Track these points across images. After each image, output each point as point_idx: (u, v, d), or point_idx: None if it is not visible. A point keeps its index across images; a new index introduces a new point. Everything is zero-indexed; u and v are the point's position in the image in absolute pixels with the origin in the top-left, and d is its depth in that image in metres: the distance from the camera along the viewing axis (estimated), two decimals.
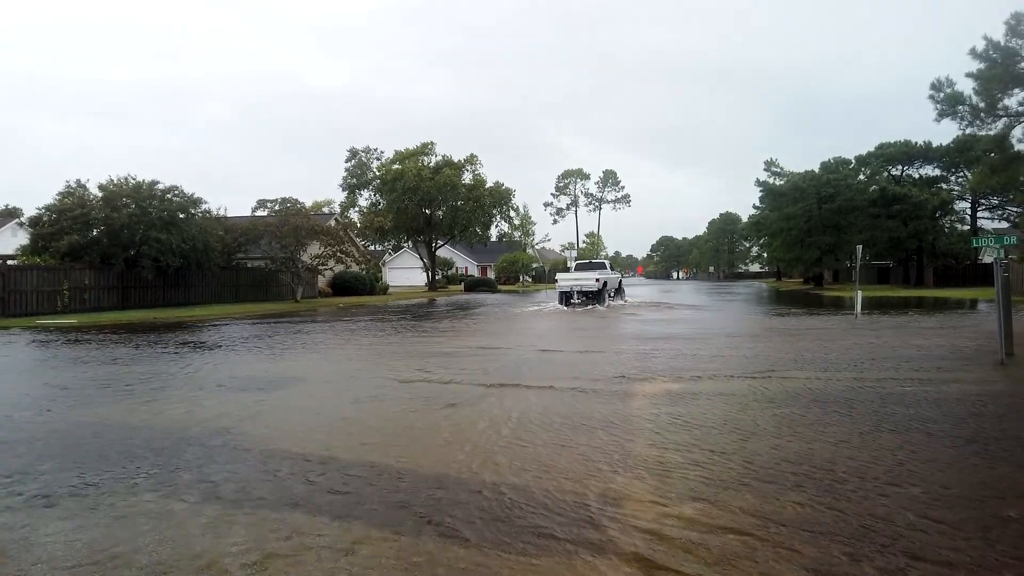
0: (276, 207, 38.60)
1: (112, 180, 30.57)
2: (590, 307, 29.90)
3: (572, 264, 47.71)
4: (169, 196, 31.20)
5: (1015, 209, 50.62)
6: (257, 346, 15.80)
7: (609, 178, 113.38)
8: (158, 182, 31.30)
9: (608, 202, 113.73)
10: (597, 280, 31.23)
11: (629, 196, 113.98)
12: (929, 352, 13.11)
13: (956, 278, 53.38)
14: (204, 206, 33.53)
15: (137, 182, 30.71)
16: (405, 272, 73.67)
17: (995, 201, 57.59)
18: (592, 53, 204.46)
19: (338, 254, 39.24)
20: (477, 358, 12.92)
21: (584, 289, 31.15)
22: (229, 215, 39.63)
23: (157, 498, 4.94)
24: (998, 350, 11.76)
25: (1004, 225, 57.15)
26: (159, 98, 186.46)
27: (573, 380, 10.05)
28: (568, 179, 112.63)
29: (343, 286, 45.43)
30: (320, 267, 39.17)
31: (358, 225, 55.92)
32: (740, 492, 4.92)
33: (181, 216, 31.32)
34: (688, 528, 4.23)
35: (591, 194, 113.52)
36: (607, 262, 38.63)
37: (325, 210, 59.73)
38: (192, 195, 32.48)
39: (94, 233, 29.08)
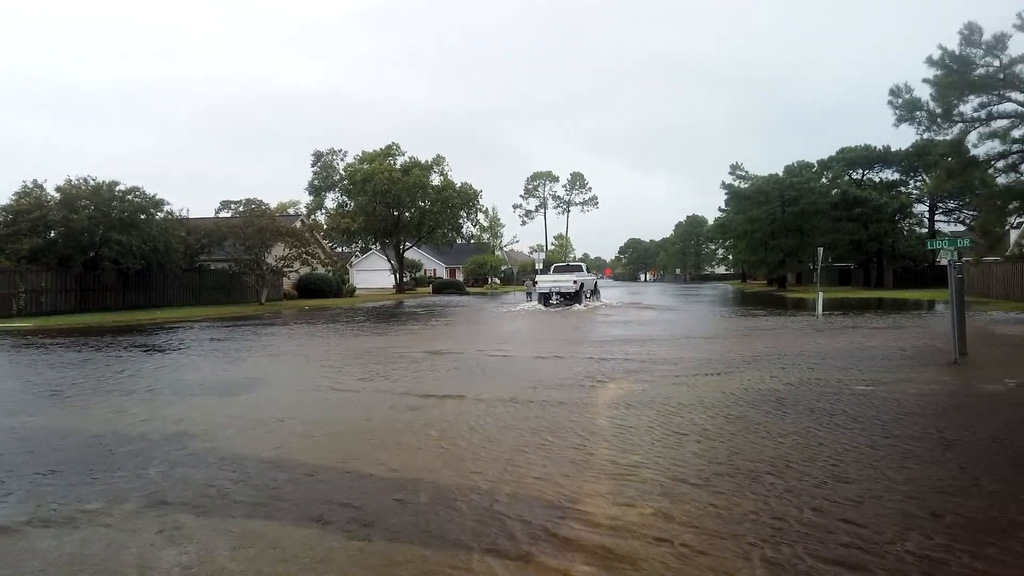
0: (240, 208, 38.09)
1: (70, 181, 29.92)
2: (568, 307, 31.18)
3: (540, 266, 48.81)
4: (130, 197, 30.64)
5: (971, 212, 51.95)
6: (206, 351, 15.57)
7: (577, 180, 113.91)
8: (118, 183, 30.74)
9: (576, 204, 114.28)
10: (575, 282, 32.68)
11: (597, 198, 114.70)
12: (886, 352, 13.41)
13: (915, 279, 54.71)
14: (166, 207, 33.07)
15: (96, 183, 30.10)
16: (373, 274, 73.12)
17: (952, 205, 59.15)
18: (562, 57, 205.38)
19: (304, 256, 38.87)
20: (431, 363, 12.81)
21: (562, 290, 32.66)
22: (192, 216, 39.07)
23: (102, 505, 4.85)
24: (952, 350, 12.07)
25: (961, 228, 58.65)
26: (123, 98, 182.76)
27: (524, 389, 9.45)
28: (537, 181, 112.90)
29: (309, 288, 44.95)
30: (286, 269, 38.75)
31: (324, 227, 55.45)
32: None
33: (142, 217, 30.77)
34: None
35: (559, 196, 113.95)
36: (583, 265, 40.49)
37: (291, 211, 59.14)
38: (154, 196, 31.97)
39: (51, 235, 28.41)
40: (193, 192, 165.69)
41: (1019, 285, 31.83)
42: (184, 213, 36.97)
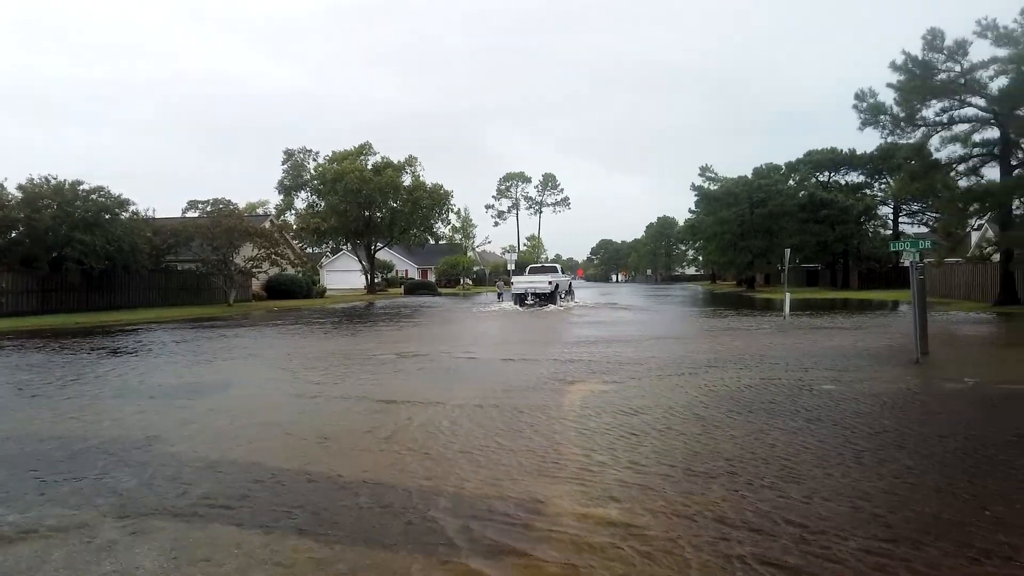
0: (208, 208, 37.56)
1: (32, 180, 29.27)
2: (542, 307, 31.91)
3: (512, 266, 49.20)
4: (94, 197, 30.07)
5: (933, 214, 53.08)
6: (168, 354, 15.31)
7: (549, 181, 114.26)
8: (82, 182, 30.17)
9: (548, 205, 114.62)
10: (550, 283, 33.53)
11: (569, 199, 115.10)
12: (850, 352, 13.63)
13: (879, 280, 55.77)
14: (132, 207, 32.54)
15: (59, 182, 29.49)
16: (343, 275, 72.52)
17: (915, 207, 60.40)
18: (533, 59, 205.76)
19: (273, 256, 38.43)
20: (396, 366, 12.66)
21: (537, 291, 33.24)
22: (158, 216, 38.44)
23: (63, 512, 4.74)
24: (914, 350, 12.30)
25: (924, 229, 59.91)
26: (85, 96, 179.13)
27: (489, 392, 9.29)
28: (509, 182, 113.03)
29: (278, 289, 44.44)
30: (254, 270, 38.27)
31: (294, 227, 54.89)
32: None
33: (107, 217, 30.18)
34: None
35: (532, 197, 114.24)
36: (558, 266, 41.59)
37: (259, 211, 58.43)
38: (119, 196, 31.43)
39: (13, 235, 27.77)
40: (159, 192, 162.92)
41: (980, 286, 32.60)
42: (150, 213, 36.41)
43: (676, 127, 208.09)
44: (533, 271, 37.34)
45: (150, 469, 5.76)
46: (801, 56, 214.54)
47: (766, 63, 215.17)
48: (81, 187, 29.94)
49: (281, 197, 60.26)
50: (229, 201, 38.08)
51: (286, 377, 11.33)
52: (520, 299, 33.61)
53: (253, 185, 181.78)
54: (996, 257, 29.73)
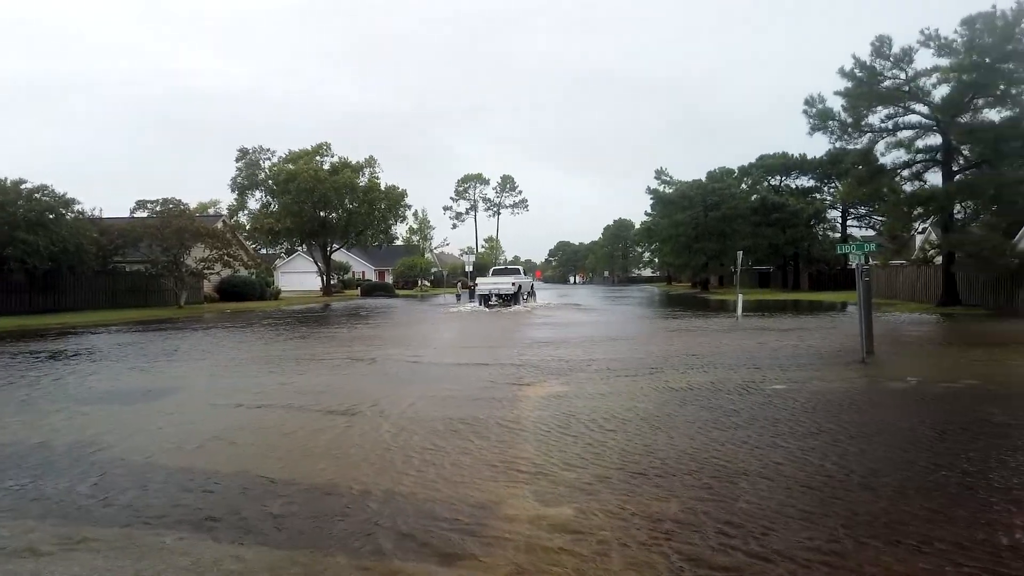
0: (158, 208, 36.68)
1: None
2: (506, 307, 32.85)
3: (470, 268, 49.59)
4: (37, 196, 29.17)
5: (880, 218, 54.59)
6: (110, 357, 14.90)
7: (507, 183, 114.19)
8: (24, 181, 29.27)
9: (507, 207, 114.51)
10: (513, 284, 34.66)
11: (527, 201, 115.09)
12: (799, 352, 13.93)
13: (829, 282, 57.18)
14: (77, 207, 31.68)
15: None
16: (299, 276, 71.50)
17: (863, 211, 62.10)
18: (492, 59, 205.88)
19: (225, 257, 37.69)
20: (346, 370, 12.46)
21: (501, 292, 34.16)
22: (105, 216, 37.41)
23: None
24: (860, 350, 12.63)
25: (871, 232, 61.63)
26: (32, 96, 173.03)
27: (431, 401, 8.81)
28: (467, 184, 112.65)
29: (231, 291, 43.57)
30: (206, 271, 37.47)
31: (247, 227, 53.88)
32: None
33: (51, 217, 29.28)
34: None
35: (490, 199, 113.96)
36: (521, 268, 42.98)
37: (211, 211, 57.24)
38: (64, 195, 30.58)
39: None
40: (106, 192, 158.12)
41: (924, 287, 33.66)
42: (96, 213, 35.43)
43: (632, 131, 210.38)
44: (496, 272, 38.48)
45: (73, 476, 5.62)
46: (753, 62, 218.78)
47: (719, 69, 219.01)
48: (23, 186, 29.04)
49: (235, 196, 59.11)
50: (180, 201, 37.29)
51: (229, 382, 11.11)
52: (484, 300, 34.38)
53: (205, 185, 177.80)
54: (939, 259, 30.71)
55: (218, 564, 3.88)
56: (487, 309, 32.90)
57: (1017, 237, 33.85)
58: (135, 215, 38.58)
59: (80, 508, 4.89)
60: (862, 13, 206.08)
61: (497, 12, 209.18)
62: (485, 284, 35.83)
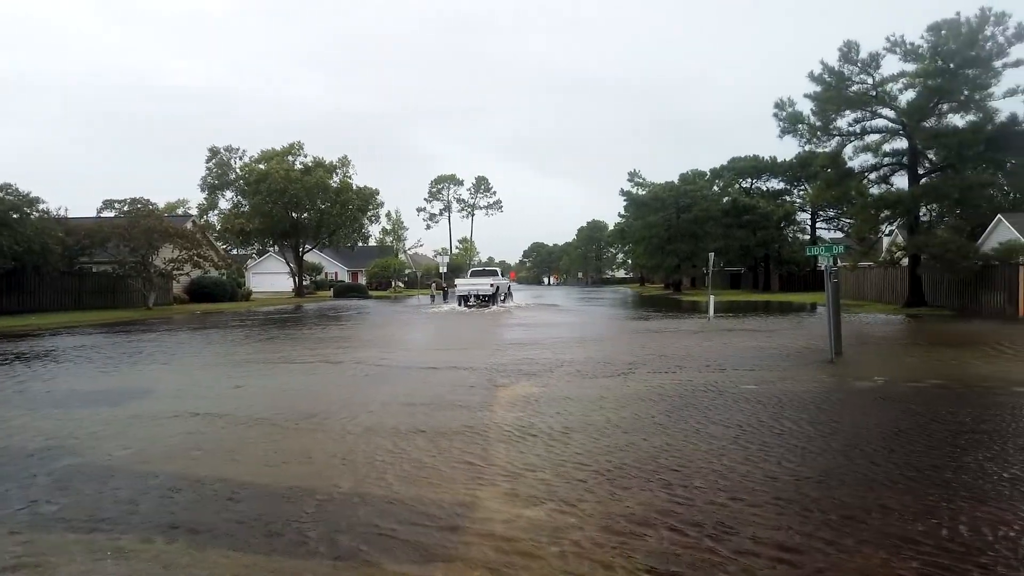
0: (125, 208, 36.05)
1: None
2: (484, 307, 33.92)
3: (444, 269, 50.23)
4: (0, 194, 28.44)
5: (848, 220, 55.49)
6: (67, 361, 14.61)
7: (482, 184, 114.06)
8: None
9: (481, 208, 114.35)
10: (491, 285, 35.89)
11: (501, 202, 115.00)
12: (769, 353, 14.11)
13: (799, 283, 58.04)
14: (42, 206, 31.00)
15: None
16: (271, 277, 70.73)
17: (832, 213, 63.03)
18: (465, 61, 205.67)
19: (195, 258, 37.14)
20: (310, 375, 12.27)
21: (480, 293, 35.31)
22: (71, 216, 36.64)
23: None
24: (828, 350, 12.83)
25: (840, 235, 62.62)
26: None
27: (393, 410, 8.35)
28: (441, 184, 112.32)
29: (201, 292, 42.95)
30: (175, 272, 36.90)
31: (218, 228, 53.17)
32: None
33: (14, 216, 28.63)
34: None
35: (464, 200, 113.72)
36: (499, 270, 43.77)
37: (179, 211, 56.41)
38: (28, 194, 29.91)
39: None
40: (72, 192, 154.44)
41: (891, 288, 34.27)
42: (62, 212, 34.67)
43: (606, 133, 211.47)
44: (475, 274, 39.78)
45: (22, 480, 5.50)
46: (725, 65, 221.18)
47: (691, 73, 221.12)
48: None
49: (204, 196, 58.27)
50: (148, 201, 36.69)
51: (190, 386, 10.95)
52: (464, 300, 35.33)
53: (173, 185, 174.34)
54: (905, 261, 31.30)
55: (188, 570, 3.83)
56: (466, 309, 33.69)
57: (980, 239, 34.62)
58: (102, 215, 37.90)
59: (37, 515, 4.78)
60: (834, 18, 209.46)
61: (470, 14, 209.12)
62: (464, 285, 36.64)
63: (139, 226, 34.06)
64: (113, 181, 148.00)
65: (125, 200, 36.41)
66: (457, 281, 39.50)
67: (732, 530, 4.29)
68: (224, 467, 5.96)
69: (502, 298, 37.29)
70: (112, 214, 37.09)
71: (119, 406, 8.94)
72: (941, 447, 6.45)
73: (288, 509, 4.82)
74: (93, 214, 38.39)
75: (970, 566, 3.76)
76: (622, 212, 71.25)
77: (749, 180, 68.34)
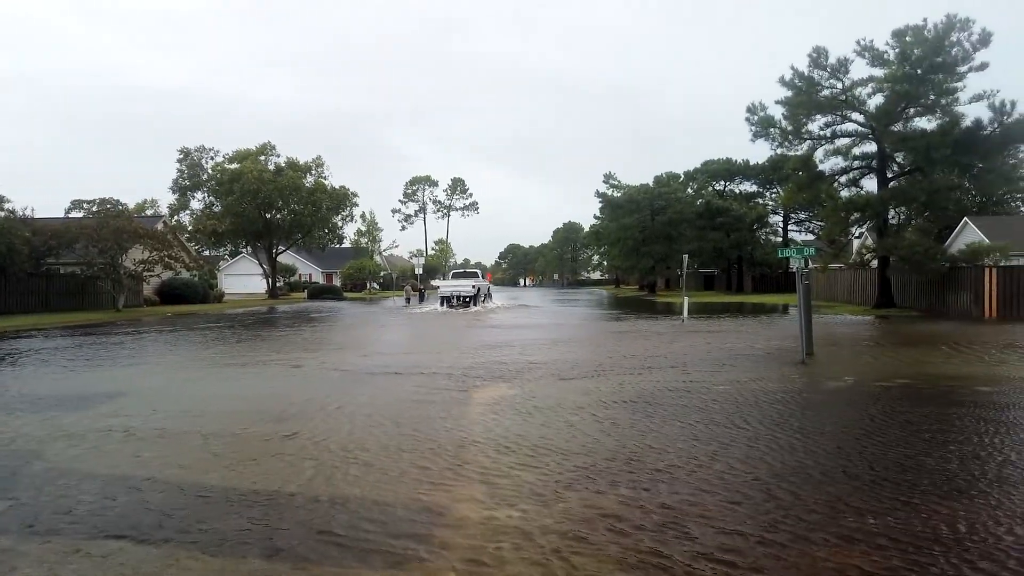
0: (95, 208, 35.43)
1: None
2: (466, 307, 35.21)
3: (420, 270, 50.72)
4: None
5: (819, 223, 56.29)
6: (32, 363, 14.33)
7: (457, 185, 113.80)
8: None
9: (456, 209, 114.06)
10: (473, 287, 37.22)
11: (477, 204, 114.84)
12: (742, 353, 14.26)
13: (771, 285, 58.75)
14: (8, 205, 30.38)
15: None
16: (244, 279, 69.94)
17: (803, 215, 63.96)
18: (441, 63, 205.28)
19: (166, 259, 36.58)
20: (259, 378, 12.06)
21: (462, 294, 36.41)
22: (38, 216, 35.95)
23: None
24: (800, 351, 13.00)
25: (811, 237, 63.50)
26: None
27: (340, 431, 7.54)
28: (416, 186, 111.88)
29: (173, 294, 42.34)
30: (145, 273, 36.33)
31: (189, 229, 52.44)
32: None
33: None
34: None
35: (439, 201, 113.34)
36: (479, 271, 45.57)
37: (149, 212, 55.54)
38: None
39: None
40: (39, 192, 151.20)
41: (861, 290, 34.82)
42: (28, 212, 34.00)
43: (582, 135, 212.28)
44: (456, 276, 41.11)
45: None
46: (699, 69, 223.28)
47: (666, 75, 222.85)
48: None
49: (176, 197, 57.41)
50: (117, 201, 36.12)
51: (137, 392, 10.80)
52: (447, 301, 36.45)
53: (141, 185, 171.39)
54: (875, 263, 31.82)
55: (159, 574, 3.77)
56: (449, 309, 35.02)
57: (948, 242, 35.27)
58: (70, 215, 37.24)
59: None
60: (808, 21, 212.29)
61: (445, 18, 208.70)
62: (447, 286, 38.03)
63: (108, 226, 33.48)
64: (81, 182, 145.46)
65: (94, 200, 35.85)
66: (440, 283, 40.78)
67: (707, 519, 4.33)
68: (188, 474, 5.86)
69: (483, 299, 38.55)
70: (81, 214, 36.46)
71: (76, 414, 8.78)
72: (906, 445, 6.56)
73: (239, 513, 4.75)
74: (61, 214, 37.74)
75: (927, 558, 3.84)
76: (597, 214, 71.57)
77: (723, 183, 69.10)
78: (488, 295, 41.68)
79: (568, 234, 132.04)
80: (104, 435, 7.30)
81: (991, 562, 3.83)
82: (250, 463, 6.13)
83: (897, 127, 29.52)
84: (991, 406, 8.63)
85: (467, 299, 36.31)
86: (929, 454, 6.23)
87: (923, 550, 3.99)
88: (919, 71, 27.93)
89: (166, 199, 59.50)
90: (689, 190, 67.44)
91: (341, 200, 57.50)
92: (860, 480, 5.41)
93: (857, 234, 38.59)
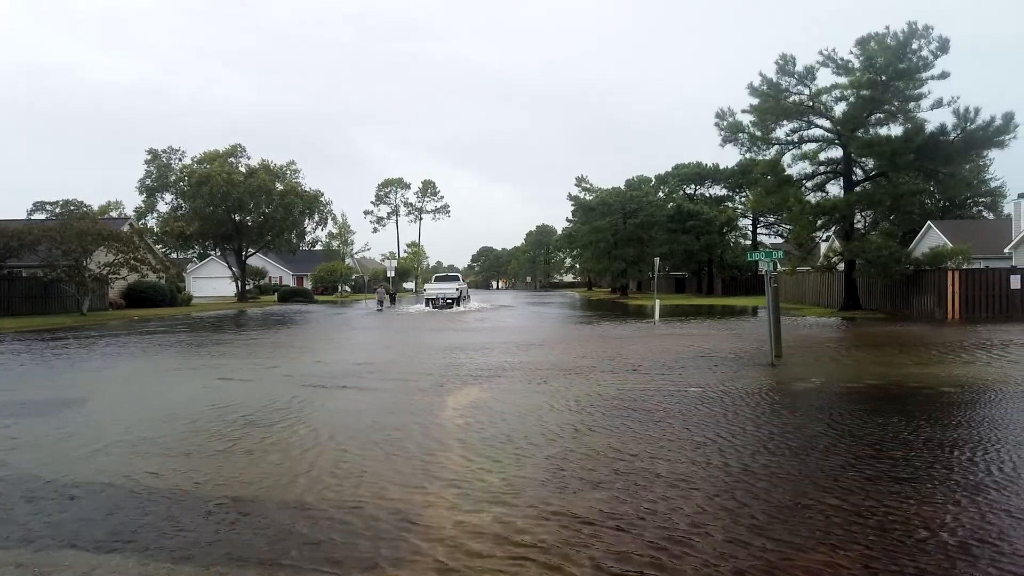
0: (58, 210, 34.69)
1: None
2: (448, 308, 39.26)
3: (392, 273, 52.01)
4: None
5: (787, 226, 57.12)
6: None
7: (429, 188, 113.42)
8: None
9: (428, 212, 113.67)
10: (456, 290, 41.47)
11: (449, 207, 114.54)
12: (712, 356, 14.38)
13: (741, 287, 59.41)
14: None
15: None
16: (213, 282, 68.98)
17: (771, 219, 64.84)
18: (409, 65, 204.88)
19: (132, 262, 35.88)
20: (225, 391, 11.87)
21: (446, 296, 40.57)
22: None
23: None
24: (769, 353, 13.16)
25: (779, 240, 64.41)
26: None
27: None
28: (388, 188, 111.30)
29: (139, 297, 41.60)
30: (111, 276, 35.63)
31: (156, 231, 51.56)
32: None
33: None
34: None
35: (411, 204, 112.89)
36: (459, 275, 49.70)
37: (114, 214, 54.50)
38: None
39: None
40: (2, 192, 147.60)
41: (828, 292, 35.37)
42: None
43: (555, 138, 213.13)
44: (439, 279, 45.40)
45: None
46: (670, 73, 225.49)
47: (637, 79, 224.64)
48: None
49: (143, 198, 56.41)
50: (81, 203, 35.43)
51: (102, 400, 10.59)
52: (432, 302, 40.41)
53: (104, 187, 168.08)
54: (842, 266, 32.34)
55: None
56: (432, 309, 39.09)
57: (912, 245, 35.96)
58: (32, 217, 36.41)
59: None
60: (778, 26, 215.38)
61: (410, 18, 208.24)
62: (432, 289, 42.10)
63: (72, 228, 32.76)
64: (41, 183, 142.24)
65: (57, 202, 35.15)
66: (427, 286, 45.04)
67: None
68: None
69: (462, 301, 42.34)
70: (44, 216, 35.67)
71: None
72: (872, 444, 6.67)
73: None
74: (23, 216, 36.85)
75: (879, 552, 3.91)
76: (570, 217, 71.82)
77: (693, 186, 69.81)
78: (467, 297, 45.72)
79: (541, 237, 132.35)
80: None
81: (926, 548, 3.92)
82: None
83: (862, 133, 30.05)
84: (957, 404, 8.83)
85: (450, 300, 40.39)
86: (896, 452, 6.33)
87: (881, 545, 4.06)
88: (883, 78, 28.47)
89: (132, 201, 58.53)
90: (660, 193, 68.03)
91: (314, 203, 57.03)
92: (829, 478, 5.48)
93: (824, 237, 39.24)
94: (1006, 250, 34.44)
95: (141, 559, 4.07)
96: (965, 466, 5.95)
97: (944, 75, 28.01)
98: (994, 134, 27.08)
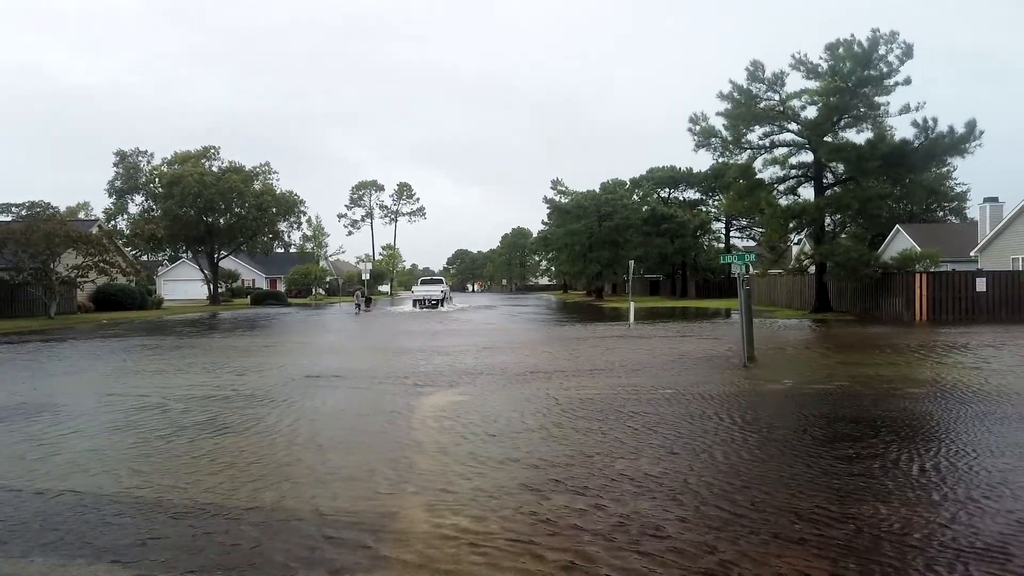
0: (24, 212, 34.00)
1: None
2: (433, 309, 42.29)
3: (367, 276, 53.22)
4: None
5: (759, 229, 57.82)
6: None
7: (404, 190, 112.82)
8: None
9: (404, 215, 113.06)
10: (441, 292, 45.41)
11: (424, 209, 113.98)
12: (686, 357, 14.55)
13: (714, 290, 59.98)
14: None
15: None
16: (184, 284, 68.05)
17: (744, 222, 65.64)
18: (382, 67, 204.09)
19: (101, 264, 35.28)
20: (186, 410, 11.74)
21: (431, 298, 43.92)
22: None
23: None
24: (742, 355, 13.32)
25: (752, 243, 65.18)
26: None
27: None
28: (362, 191, 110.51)
29: (108, 300, 40.90)
30: (79, 279, 34.99)
31: (126, 233, 50.75)
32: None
33: None
34: None
35: (386, 206, 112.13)
36: (443, 278, 53.90)
37: (81, 215, 53.56)
38: None
39: None
40: None
41: (800, 294, 35.86)
42: None
43: (530, 141, 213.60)
44: (425, 283, 49.65)
45: None
46: (645, 77, 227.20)
47: (612, 82, 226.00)
48: None
49: (112, 200, 55.51)
50: (48, 204, 34.76)
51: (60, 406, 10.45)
52: (420, 303, 43.74)
53: (71, 189, 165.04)
54: (813, 269, 32.80)
55: None
56: (419, 309, 42.26)
57: (881, 248, 36.59)
58: None
59: None
60: (756, 32, 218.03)
61: (382, 19, 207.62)
62: (419, 291, 45.69)
63: (39, 230, 32.14)
64: (5, 186, 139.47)
65: (23, 204, 34.40)
66: (414, 288, 48.66)
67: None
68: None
69: (445, 302, 45.56)
70: (9, 218, 34.92)
71: None
72: (841, 444, 6.80)
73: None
74: None
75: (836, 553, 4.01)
76: (545, 220, 71.96)
77: (667, 190, 70.44)
78: (449, 299, 49.05)
79: (516, 239, 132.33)
80: None
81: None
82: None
83: (831, 138, 30.53)
84: (922, 400, 9.03)
85: (434, 301, 43.75)
86: (863, 452, 6.47)
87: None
88: (850, 84, 28.97)
89: (101, 203, 57.58)
90: (635, 197, 68.45)
91: (290, 206, 56.55)
92: (795, 479, 5.59)
93: (796, 240, 39.74)
94: (972, 253, 35.16)
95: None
96: (926, 465, 6.09)
97: (908, 81, 28.61)
98: (957, 142, 27.63)
